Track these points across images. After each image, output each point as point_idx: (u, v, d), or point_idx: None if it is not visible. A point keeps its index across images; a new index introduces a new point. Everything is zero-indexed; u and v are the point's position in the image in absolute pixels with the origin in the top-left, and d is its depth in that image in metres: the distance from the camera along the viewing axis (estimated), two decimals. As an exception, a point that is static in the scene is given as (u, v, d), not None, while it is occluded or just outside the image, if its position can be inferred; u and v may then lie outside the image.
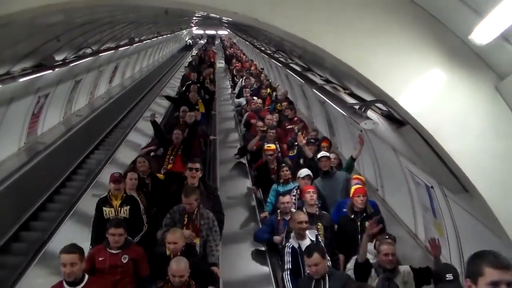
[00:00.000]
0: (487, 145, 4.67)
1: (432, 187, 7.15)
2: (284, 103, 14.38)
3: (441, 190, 6.75)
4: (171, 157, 10.35)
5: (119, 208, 7.38)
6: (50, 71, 11.53)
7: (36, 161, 12.69)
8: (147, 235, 7.55)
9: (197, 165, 7.83)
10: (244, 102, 16.80)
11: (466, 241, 6.64)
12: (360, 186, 7.62)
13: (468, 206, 5.91)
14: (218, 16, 22.58)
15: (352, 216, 7.28)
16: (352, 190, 7.48)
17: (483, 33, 4.15)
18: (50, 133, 15.04)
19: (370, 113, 6.48)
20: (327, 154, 9.03)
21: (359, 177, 8.51)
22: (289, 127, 12.72)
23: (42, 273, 7.57)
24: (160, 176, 9.55)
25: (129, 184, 7.89)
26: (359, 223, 7.17)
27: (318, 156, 9.03)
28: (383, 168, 9.79)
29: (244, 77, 20.56)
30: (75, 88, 17.19)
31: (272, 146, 10.28)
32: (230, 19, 19.16)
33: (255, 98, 15.98)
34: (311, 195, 7.50)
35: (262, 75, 23.08)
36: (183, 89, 17.98)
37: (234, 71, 25.37)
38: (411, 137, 5.55)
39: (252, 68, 25.57)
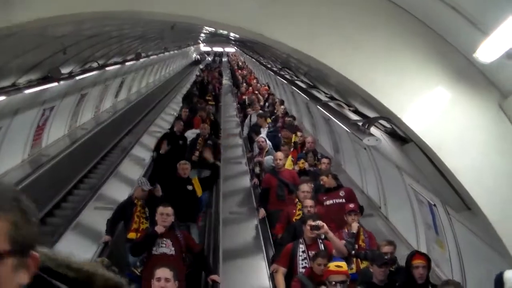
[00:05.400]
0: (490, 163, 4.68)
1: (435, 205, 7.13)
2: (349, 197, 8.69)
3: (444, 208, 6.73)
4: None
5: None
6: (56, 83, 11.58)
7: (39, 173, 12.70)
8: None
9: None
10: (257, 151, 12.23)
11: (468, 259, 6.60)
12: None
13: (471, 224, 5.88)
14: (225, 33, 22.72)
15: None
16: None
17: (487, 52, 4.17)
18: (54, 146, 15.08)
19: (373, 130, 6.49)
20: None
21: None
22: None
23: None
24: None
25: None
26: None
27: None
28: (387, 186, 9.77)
29: (255, 113, 15.71)
30: (80, 102, 17.27)
31: (343, 265, 5.84)
32: (237, 36, 19.29)
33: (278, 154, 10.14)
34: None
35: (282, 107, 17.28)
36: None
37: (246, 100, 19.87)
38: (415, 154, 5.56)
39: (264, 94, 20.75)
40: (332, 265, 5.69)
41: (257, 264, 8.17)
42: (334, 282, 5.48)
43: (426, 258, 5.83)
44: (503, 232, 4.59)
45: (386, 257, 6.05)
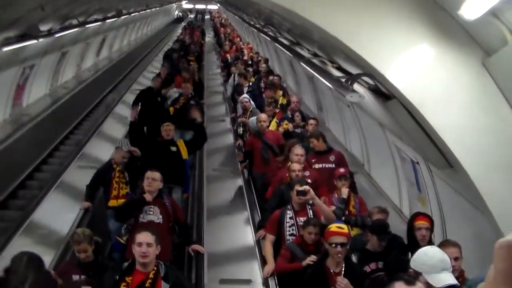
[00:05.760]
0: (473, 120, 4.70)
1: (417, 162, 7.19)
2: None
3: (426, 165, 6.79)
4: None
5: None
6: (35, 41, 11.35)
7: (22, 133, 12.59)
8: None
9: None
10: (241, 111, 11.86)
11: (449, 216, 6.71)
12: None
13: (453, 181, 5.95)
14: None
15: None
16: None
17: (471, 9, 4.14)
18: (36, 105, 14.90)
19: (356, 87, 6.47)
20: None
21: None
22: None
23: (27, 242, 7.53)
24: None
25: None
26: None
27: None
28: (370, 143, 9.82)
29: (238, 73, 14.86)
30: (61, 60, 16.99)
31: (344, 227, 5.48)
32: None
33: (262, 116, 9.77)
34: None
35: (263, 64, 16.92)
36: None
37: (229, 58, 19.85)
38: (397, 111, 5.56)
39: (249, 53, 20.32)
40: (333, 226, 5.37)
41: (241, 222, 8.24)
42: (334, 244, 5.18)
43: (429, 219, 5.49)
44: (485, 190, 4.65)
45: (388, 230, 5.77)
